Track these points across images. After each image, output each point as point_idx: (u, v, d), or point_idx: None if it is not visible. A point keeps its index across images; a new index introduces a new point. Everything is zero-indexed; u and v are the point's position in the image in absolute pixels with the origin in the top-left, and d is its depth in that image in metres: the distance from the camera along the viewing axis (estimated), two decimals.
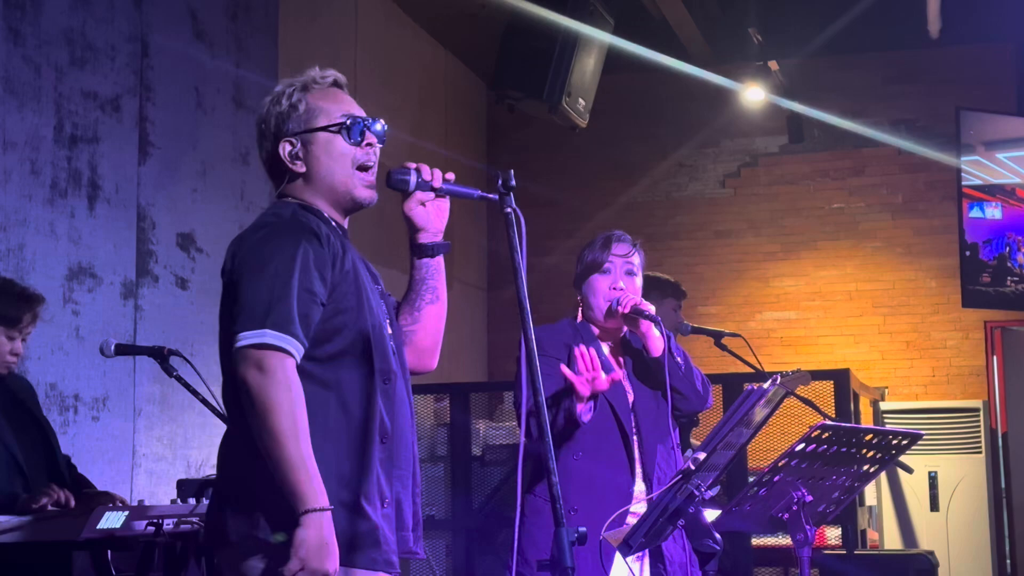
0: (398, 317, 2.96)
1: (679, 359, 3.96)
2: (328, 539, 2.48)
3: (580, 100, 7.32)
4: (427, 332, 2.98)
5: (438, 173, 2.91)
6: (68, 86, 5.63)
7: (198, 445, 6.32)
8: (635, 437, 3.89)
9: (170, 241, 6.28)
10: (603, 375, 3.68)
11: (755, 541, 6.75)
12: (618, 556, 3.58)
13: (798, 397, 4.59)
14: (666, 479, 3.61)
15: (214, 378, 4.71)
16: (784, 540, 6.29)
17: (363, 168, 2.84)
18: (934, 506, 8.93)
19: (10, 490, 3.89)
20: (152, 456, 6.02)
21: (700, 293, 9.85)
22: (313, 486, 2.49)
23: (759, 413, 3.17)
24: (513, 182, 2.77)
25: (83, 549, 3.78)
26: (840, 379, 7.03)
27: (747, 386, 3.16)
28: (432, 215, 2.94)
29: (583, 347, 3.72)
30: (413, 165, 2.88)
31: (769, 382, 3.11)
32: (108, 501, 3.96)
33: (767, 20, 8.86)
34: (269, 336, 2.54)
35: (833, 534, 7.24)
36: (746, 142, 10.33)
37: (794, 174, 10.22)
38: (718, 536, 3.22)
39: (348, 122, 2.81)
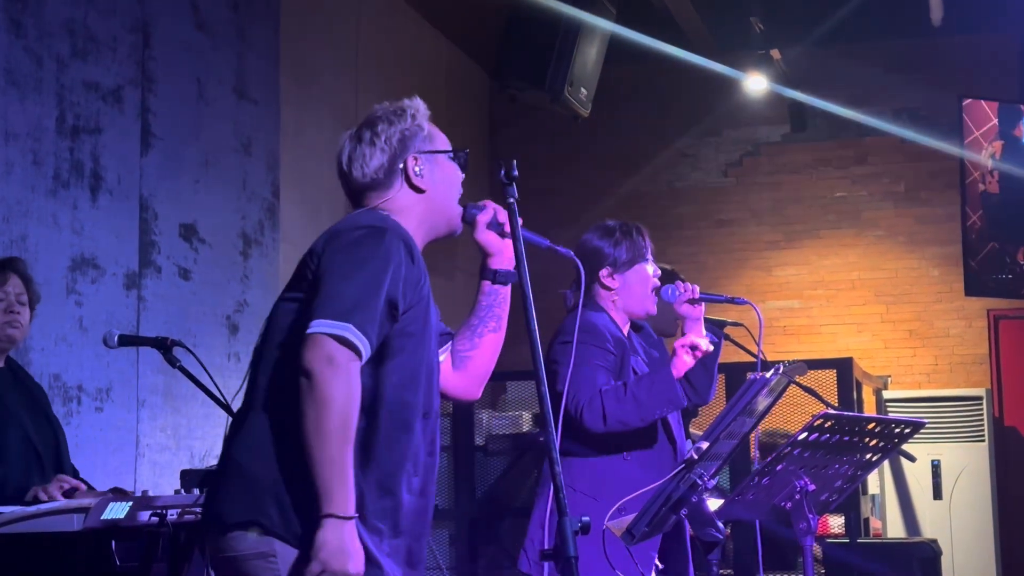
0: (455, 341, 2.96)
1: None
2: (349, 544, 2.45)
3: (582, 90, 7.31)
4: (483, 360, 2.98)
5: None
6: (70, 77, 5.63)
7: (201, 435, 6.33)
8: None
9: (173, 232, 6.28)
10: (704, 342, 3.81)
11: None
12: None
13: (800, 386, 4.58)
14: None
15: (217, 369, 4.72)
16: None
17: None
18: (937, 494, 8.94)
19: (26, 481, 3.90)
20: (156, 446, 6.03)
21: (702, 282, 9.71)
22: (346, 492, 2.45)
23: (762, 402, 3.18)
24: (515, 172, 2.78)
25: (87, 540, 3.79)
26: (843, 368, 7.04)
27: (750, 375, 3.16)
28: (507, 242, 2.96)
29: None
30: (491, 205, 2.94)
31: (772, 371, 3.12)
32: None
33: (769, 9, 8.85)
34: (351, 332, 2.50)
35: (836, 522, 7.25)
36: (748, 131, 10.32)
37: (796, 163, 10.21)
38: (721, 525, 3.22)
39: (465, 153, 2.93)
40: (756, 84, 9.26)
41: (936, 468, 8.93)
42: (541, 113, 8.19)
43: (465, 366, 2.97)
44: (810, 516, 3.16)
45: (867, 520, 7.81)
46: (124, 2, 6.00)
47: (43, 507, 3.68)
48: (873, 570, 6.48)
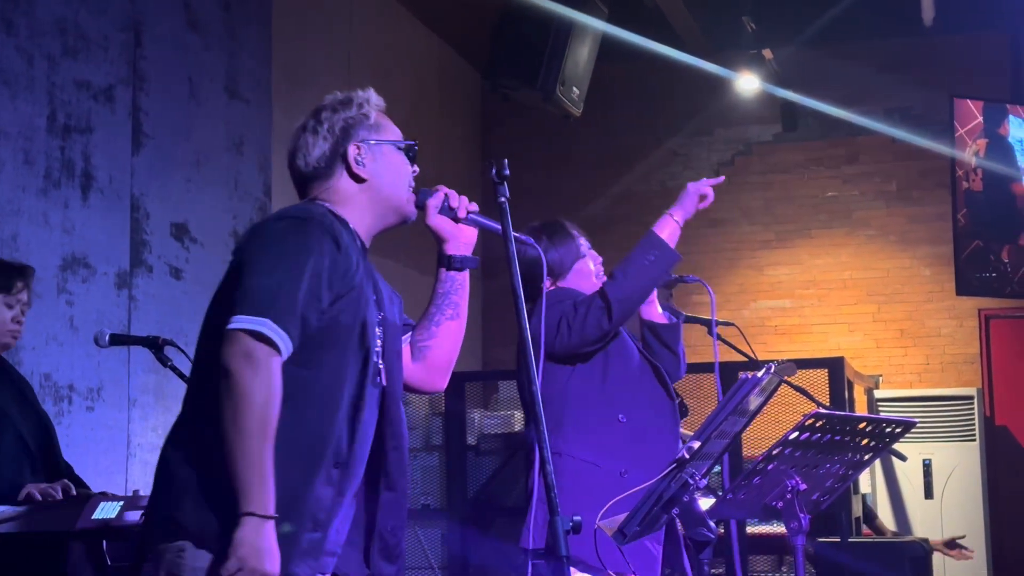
0: (414, 331, 2.92)
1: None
2: (268, 544, 2.42)
3: (574, 89, 7.32)
4: (443, 349, 2.93)
5: (464, 201, 2.91)
6: (61, 76, 5.62)
7: None
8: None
9: (164, 231, 6.27)
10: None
11: (749, 529, 6.77)
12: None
13: (792, 386, 4.59)
14: None
15: None
16: (778, 528, 6.31)
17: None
18: (928, 494, 8.94)
19: (19, 478, 3.90)
20: (147, 446, 6.02)
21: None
22: (264, 491, 2.42)
23: (753, 402, 3.18)
24: (507, 171, 2.78)
25: (78, 539, 3.79)
26: (834, 367, 7.04)
27: (741, 375, 3.16)
28: (461, 227, 2.93)
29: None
30: (443, 189, 2.90)
31: (764, 371, 3.12)
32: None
33: (761, 8, 8.85)
34: (268, 327, 2.47)
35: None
36: (740, 130, 10.32)
37: (788, 162, 10.22)
38: (712, 524, 3.22)
39: (412, 144, 2.87)
40: (748, 83, 9.26)
41: (927, 467, 8.94)
42: (533, 112, 8.19)
43: (424, 356, 2.91)
44: (801, 515, 3.17)
45: (858, 519, 7.82)
46: (116, 1, 5.99)
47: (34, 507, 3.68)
48: (864, 569, 6.49)
